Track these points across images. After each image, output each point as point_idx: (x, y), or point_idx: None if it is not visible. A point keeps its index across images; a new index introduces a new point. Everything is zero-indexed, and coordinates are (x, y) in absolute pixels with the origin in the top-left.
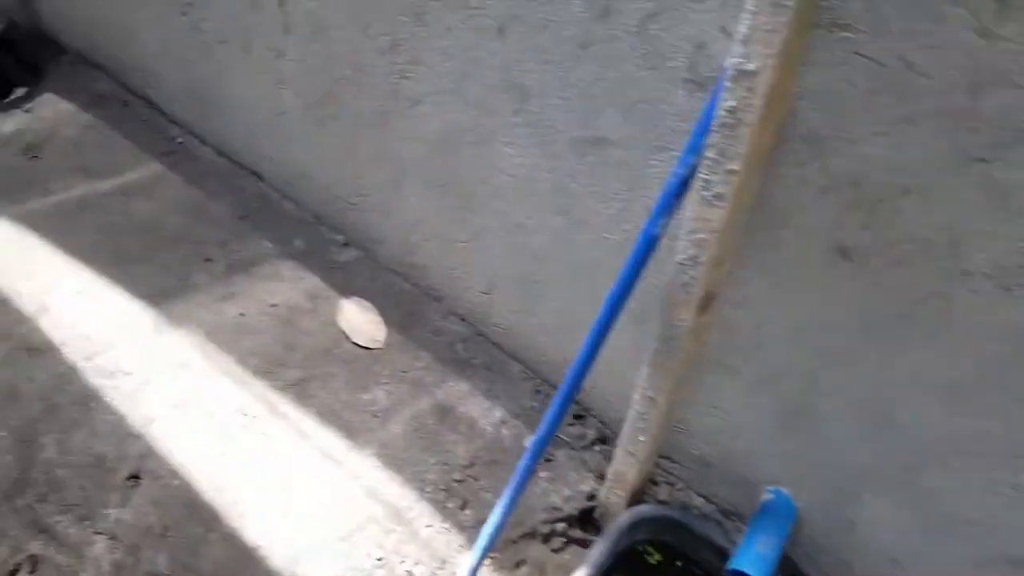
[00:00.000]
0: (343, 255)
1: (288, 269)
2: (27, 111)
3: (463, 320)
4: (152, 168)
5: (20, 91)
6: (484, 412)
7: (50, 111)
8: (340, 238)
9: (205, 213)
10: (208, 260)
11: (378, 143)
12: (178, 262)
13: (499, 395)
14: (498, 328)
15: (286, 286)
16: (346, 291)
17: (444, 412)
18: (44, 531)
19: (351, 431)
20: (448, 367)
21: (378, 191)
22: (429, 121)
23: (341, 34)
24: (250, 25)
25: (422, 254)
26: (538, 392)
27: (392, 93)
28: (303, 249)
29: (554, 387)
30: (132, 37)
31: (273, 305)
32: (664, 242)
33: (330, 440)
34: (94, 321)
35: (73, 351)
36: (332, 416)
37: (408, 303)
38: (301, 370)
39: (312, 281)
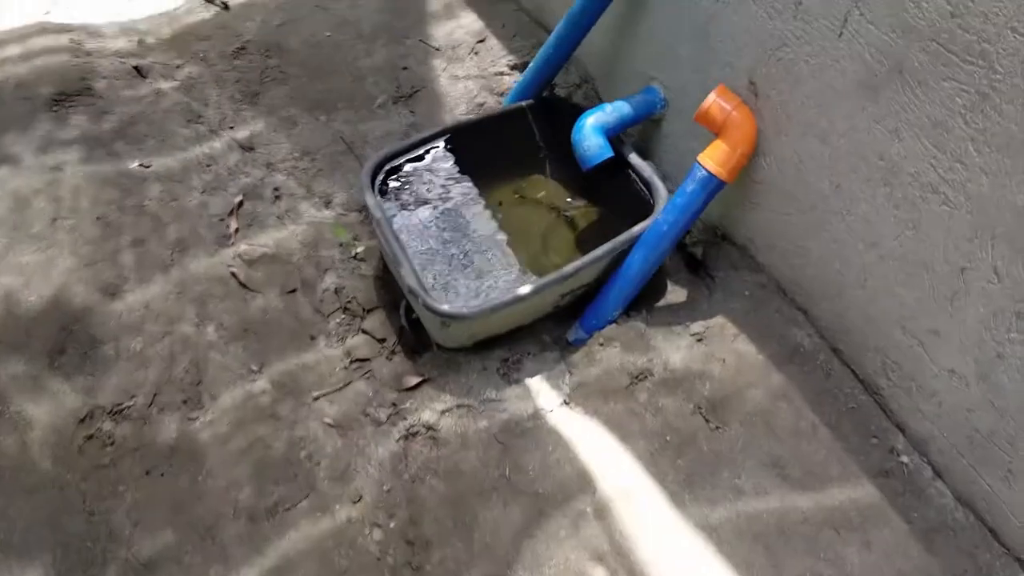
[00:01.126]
0: None
1: None
2: (697, 338)
3: None
4: (863, 491)
5: (679, 294)
6: None
7: (727, 351)
8: None
9: None
10: None
11: None
12: None
13: None
14: None
15: None
16: None
17: None
18: None
19: None
20: None
21: None
22: None
23: None
24: None
25: None
26: None
27: None
28: None
29: None
30: (886, 313)
31: None
32: None
33: None
34: None
35: None
36: None
37: None
38: None
39: None
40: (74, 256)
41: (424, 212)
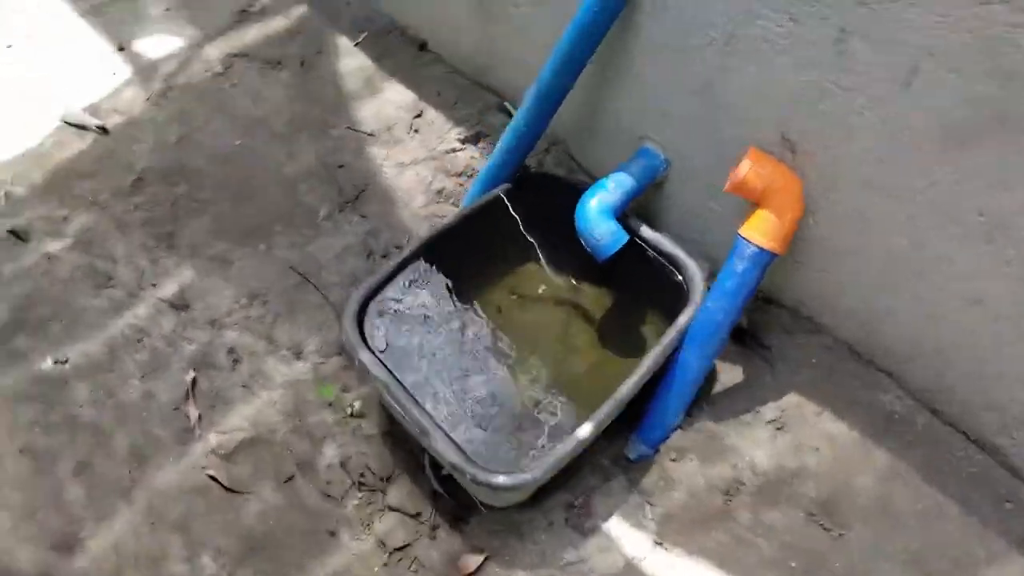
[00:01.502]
0: None
1: None
2: (776, 426)
3: None
4: (1018, 568)
5: (734, 373)
6: None
7: (815, 436)
8: None
9: None
10: None
11: None
12: None
13: None
14: None
15: None
16: None
17: None
18: None
19: None
20: None
21: None
22: None
23: None
24: None
25: None
26: None
27: None
28: None
29: None
30: (1002, 371)
31: None
32: None
33: None
34: None
35: None
36: None
37: None
38: None
39: None
40: (5, 511)
41: (418, 349)
